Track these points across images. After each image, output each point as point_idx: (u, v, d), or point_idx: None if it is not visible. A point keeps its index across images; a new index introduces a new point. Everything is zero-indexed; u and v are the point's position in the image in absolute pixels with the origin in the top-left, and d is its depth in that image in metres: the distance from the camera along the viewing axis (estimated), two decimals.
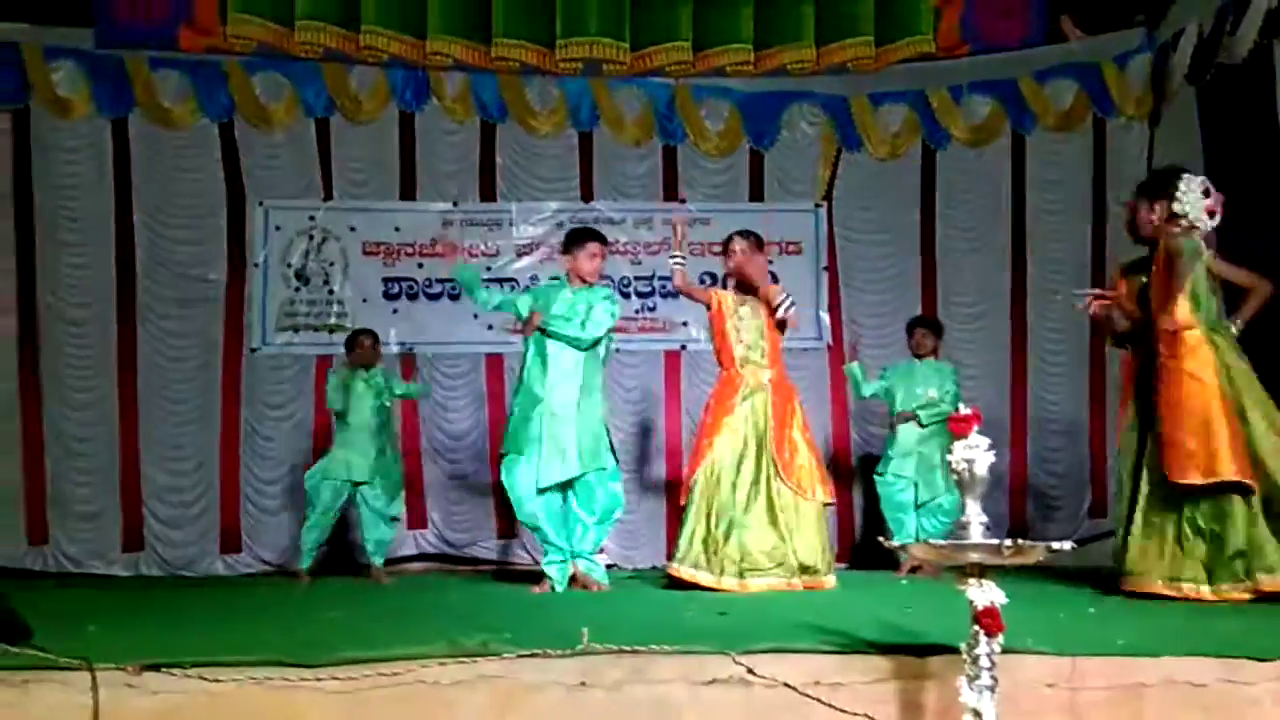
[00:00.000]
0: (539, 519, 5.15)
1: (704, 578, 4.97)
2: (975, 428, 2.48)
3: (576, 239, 5.42)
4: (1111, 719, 2.72)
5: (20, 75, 7.15)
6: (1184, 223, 4.52)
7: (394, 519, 6.51)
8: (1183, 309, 4.46)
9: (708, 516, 5.08)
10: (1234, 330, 4.58)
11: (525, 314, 5.32)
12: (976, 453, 2.46)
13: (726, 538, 5.02)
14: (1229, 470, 4.19)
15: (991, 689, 2.37)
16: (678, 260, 5.45)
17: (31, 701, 2.59)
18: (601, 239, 5.46)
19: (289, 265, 7.51)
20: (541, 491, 5.14)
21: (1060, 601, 4.14)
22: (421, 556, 7.46)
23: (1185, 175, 4.60)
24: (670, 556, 5.32)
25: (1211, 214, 4.54)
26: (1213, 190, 4.53)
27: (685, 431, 7.54)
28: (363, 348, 6.50)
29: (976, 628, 2.40)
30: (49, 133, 7.26)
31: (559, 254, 5.70)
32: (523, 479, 5.15)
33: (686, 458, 7.29)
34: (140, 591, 5.79)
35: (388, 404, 6.51)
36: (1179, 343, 4.43)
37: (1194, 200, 4.54)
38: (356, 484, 6.31)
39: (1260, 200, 6.14)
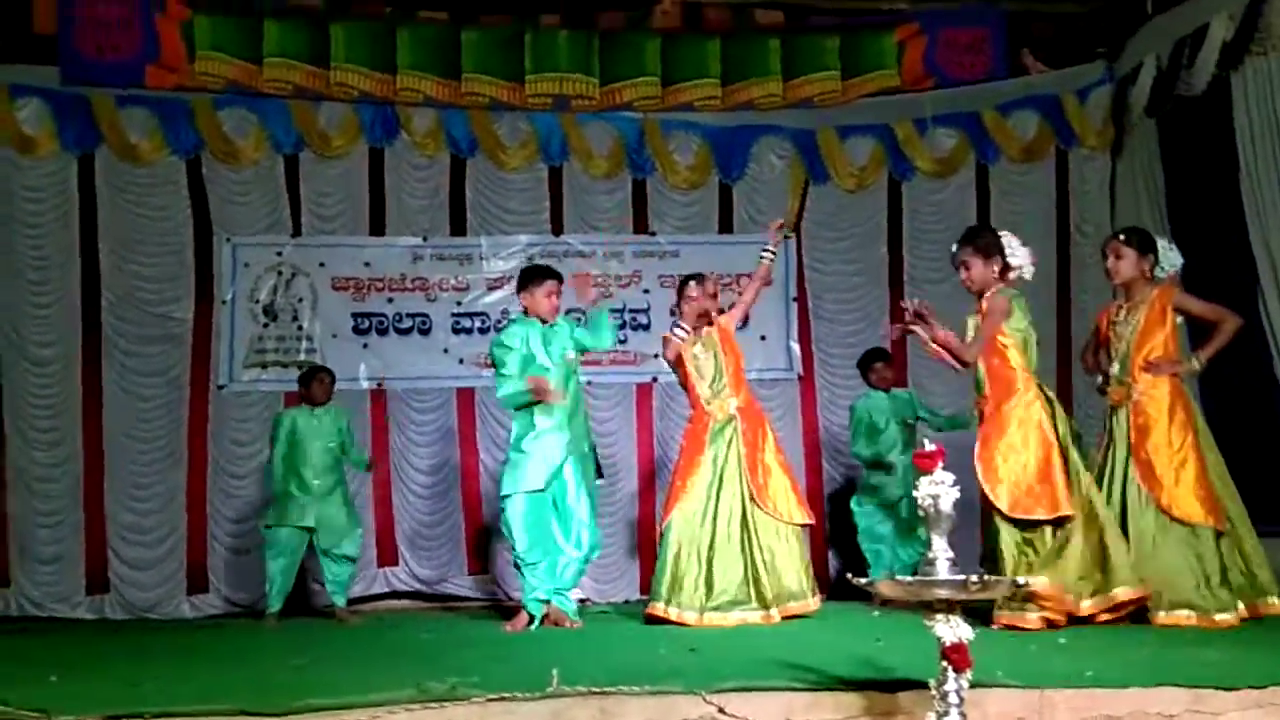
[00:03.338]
0: (536, 554, 5.10)
1: (687, 616, 4.98)
2: (940, 464, 2.50)
3: (532, 276, 5.40)
4: None
5: None
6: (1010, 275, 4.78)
7: (349, 558, 6.40)
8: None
9: (682, 555, 5.09)
10: (1196, 365, 4.71)
11: (524, 383, 5.16)
12: (942, 489, 2.47)
13: (704, 573, 5.03)
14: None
15: None
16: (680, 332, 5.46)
17: None
18: (558, 277, 5.43)
19: (257, 301, 7.46)
20: (533, 493, 5.09)
21: (1030, 630, 4.15)
22: (393, 594, 7.38)
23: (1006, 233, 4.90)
24: (646, 592, 5.32)
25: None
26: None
27: (658, 464, 7.54)
28: (322, 384, 6.47)
29: (945, 663, 2.40)
30: (13, 170, 7.19)
31: (515, 292, 5.62)
32: (520, 509, 5.11)
33: (660, 491, 7.33)
34: (104, 636, 5.68)
35: (338, 444, 6.43)
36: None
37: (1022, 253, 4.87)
38: (306, 529, 6.27)
39: (1220, 229, 6.25)
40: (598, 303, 5.58)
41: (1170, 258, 4.96)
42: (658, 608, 5.04)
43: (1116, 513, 4.59)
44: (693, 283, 5.49)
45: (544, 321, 5.33)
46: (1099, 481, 4.69)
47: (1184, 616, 4.35)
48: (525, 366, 5.22)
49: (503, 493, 5.19)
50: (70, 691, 3.01)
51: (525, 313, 5.40)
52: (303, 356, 7.36)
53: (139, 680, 3.29)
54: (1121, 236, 4.90)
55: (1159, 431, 4.61)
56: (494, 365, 5.33)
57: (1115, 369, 4.81)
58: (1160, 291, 4.79)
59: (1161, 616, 4.38)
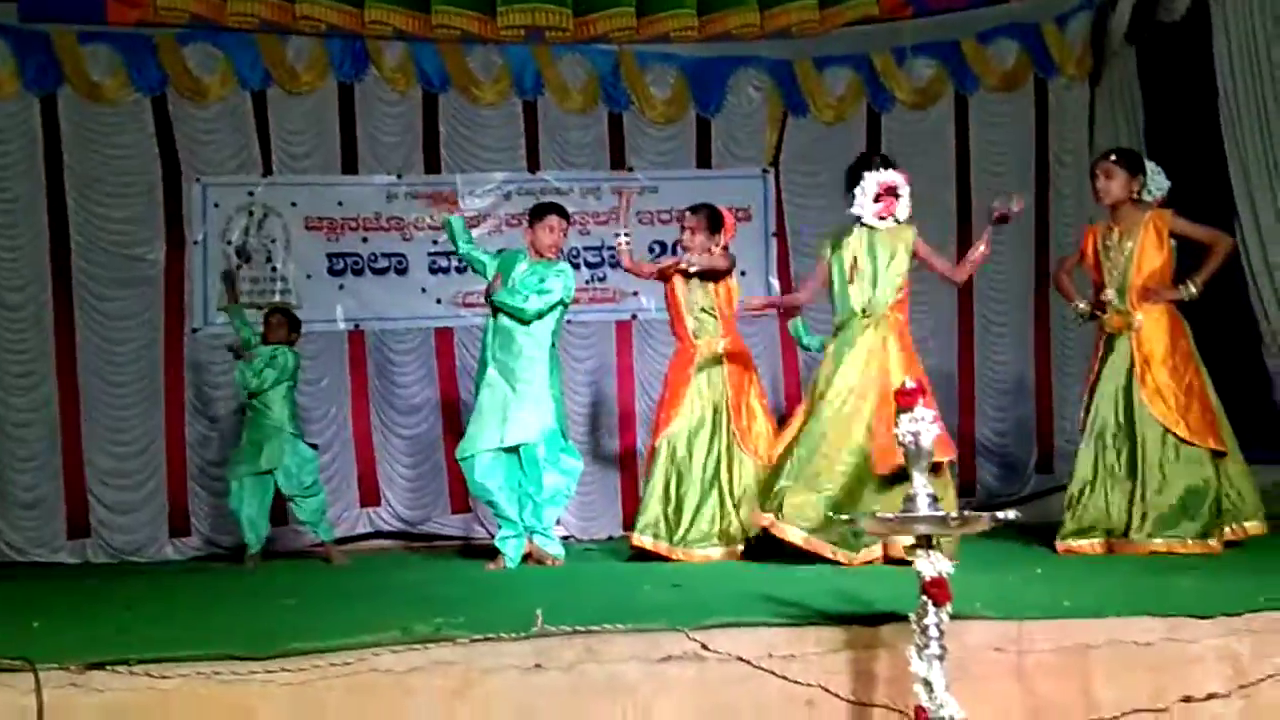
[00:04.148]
0: (492, 492, 5.15)
1: (665, 548, 5.04)
2: (920, 400, 2.49)
3: (536, 212, 5.44)
4: (1059, 681, 2.78)
5: None
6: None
7: (307, 493, 6.26)
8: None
9: (667, 487, 5.13)
10: (1194, 290, 4.67)
11: (489, 275, 5.33)
12: (922, 425, 2.47)
13: (688, 508, 5.07)
14: None
15: (941, 658, 2.39)
16: (624, 238, 5.48)
17: None
18: (562, 212, 5.44)
19: (229, 243, 7.34)
20: (463, 459, 5.16)
21: (1009, 561, 4.21)
22: (376, 534, 7.40)
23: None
24: (630, 526, 5.38)
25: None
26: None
27: (639, 401, 7.55)
28: (269, 325, 6.37)
29: (924, 598, 2.42)
30: None
31: (525, 227, 5.62)
32: (510, 459, 5.18)
33: (640, 427, 7.36)
34: (87, 581, 5.68)
35: (286, 382, 6.29)
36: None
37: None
38: (258, 473, 6.20)
39: (1199, 157, 6.24)
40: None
41: (1158, 180, 4.92)
42: (641, 539, 5.10)
43: (1125, 440, 4.62)
44: (689, 212, 5.45)
45: (541, 256, 5.30)
46: (1091, 410, 4.72)
47: (1177, 543, 4.42)
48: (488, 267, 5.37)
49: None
50: (54, 638, 3.01)
51: (529, 249, 5.39)
52: (277, 298, 7.27)
53: (123, 625, 3.30)
54: (1113, 157, 4.83)
55: (1165, 358, 4.61)
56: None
57: (1112, 296, 4.76)
58: (1154, 215, 4.74)
59: (1157, 543, 4.45)
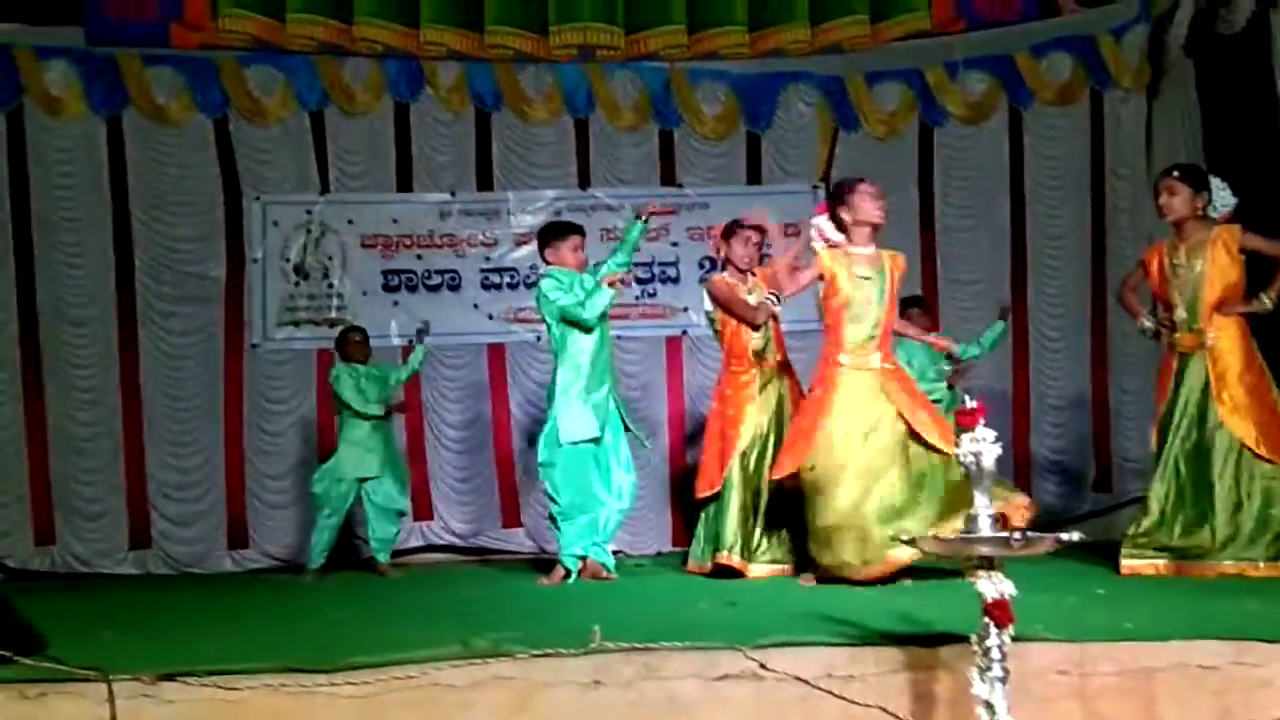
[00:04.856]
0: (576, 509, 5.14)
1: (743, 562, 5.02)
2: (981, 420, 2.48)
3: (555, 232, 5.40)
4: (1122, 704, 2.74)
5: (13, 76, 7.12)
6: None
7: (400, 514, 6.55)
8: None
9: (744, 504, 5.12)
10: (1268, 304, 4.56)
11: (601, 289, 5.16)
12: (983, 445, 2.45)
13: (761, 524, 5.07)
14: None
15: (1003, 680, 2.38)
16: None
17: (48, 714, 2.61)
18: (582, 231, 5.46)
19: (287, 260, 7.49)
20: (583, 444, 5.14)
21: (1071, 582, 4.15)
22: (429, 548, 7.47)
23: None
24: (678, 544, 5.37)
25: None
26: None
27: (688, 416, 7.55)
28: (352, 344, 6.51)
29: (986, 620, 2.40)
30: (42, 133, 7.22)
31: (538, 250, 5.53)
32: (567, 463, 5.12)
33: (691, 443, 7.35)
34: (151, 592, 5.81)
35: (388, 397, 6.53)
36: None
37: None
38: (364, 480, 6.33)
39: (1259, 170, 6.13)
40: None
41: (1223, 196, 4.76)
42: (729, 558, 5.04)
43: (1199, 460, 4.52)
44: (753, 227, 5.41)
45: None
46: (1166, 432, 4.63)
47: (1248, 565, 4.32)
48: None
49: (557, 442, 5.13)
50: (124, 649, 3.08)
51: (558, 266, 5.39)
52: (334, 315, 7.40)
53: (190, 637, 3.37)
54: (1176, 173, 4.73)
55: (1241, 373, 4.52)
56: (551, 307, 5.19)
57: (1182, 314, 4.66)
58: (1222, 231, 4.62)
59: (1227, 565, 4.35)
